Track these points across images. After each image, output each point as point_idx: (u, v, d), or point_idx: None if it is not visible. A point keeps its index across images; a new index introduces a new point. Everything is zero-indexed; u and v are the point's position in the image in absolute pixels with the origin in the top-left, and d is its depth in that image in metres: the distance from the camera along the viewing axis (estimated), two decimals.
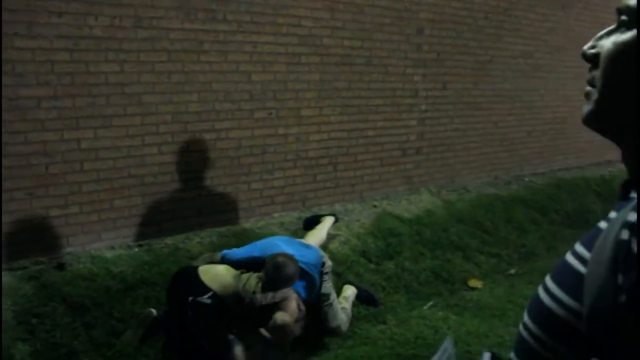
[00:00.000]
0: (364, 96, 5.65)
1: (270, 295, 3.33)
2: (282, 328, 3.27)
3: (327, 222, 4.80)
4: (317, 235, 4.54)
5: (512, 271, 5.42)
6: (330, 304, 3.96)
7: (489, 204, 6.44)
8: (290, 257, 3.51)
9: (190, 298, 3.28)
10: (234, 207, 5.00)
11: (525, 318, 0.81)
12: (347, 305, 4.20)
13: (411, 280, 4.85)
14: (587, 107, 0.83)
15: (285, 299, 3.33)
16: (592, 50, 0.81)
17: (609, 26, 0.81)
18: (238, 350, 3.31)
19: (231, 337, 3.34)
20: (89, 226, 4.28)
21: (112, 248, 4.39)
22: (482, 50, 6.68)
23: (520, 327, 0.82)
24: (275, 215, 5.24)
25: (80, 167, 4.16)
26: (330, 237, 4.91)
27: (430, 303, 4.54)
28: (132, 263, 4.22)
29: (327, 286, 4.00)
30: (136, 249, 4.43)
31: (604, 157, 8.81)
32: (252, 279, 3.42)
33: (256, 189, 5.10)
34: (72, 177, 4.14)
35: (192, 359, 3.42)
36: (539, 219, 6.50)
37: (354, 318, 4.21)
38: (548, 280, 0.80)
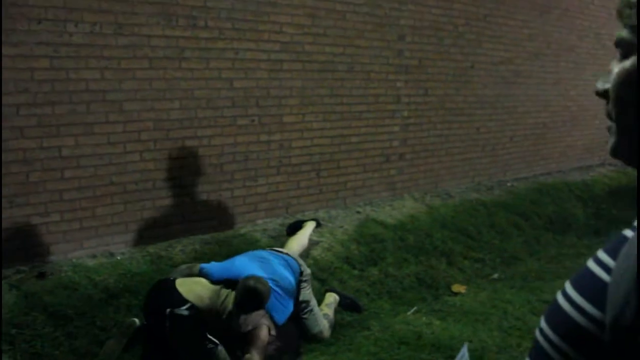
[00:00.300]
0: (346, 102, 5.67)
1: (242, 321, 3.37)
2: None
3: (309, 227, 4.81)
4: (298, 241, 4.54)
5: (495, 276, 5.44)
6: (311, 310, 3.96)
7: (472, 209, 6.48)
8: (262, 282, 3.49)
9: (168, 310, 3.27)
10: (217, 214, 4.98)
11: (543, 324, 0.79)
12: (329, 311, 4.19)
13: (395, 286, 4.86)
14: (610, 141, 0.81)
15: (256, 328, 3.37)
16: (603, 86, 0.79)
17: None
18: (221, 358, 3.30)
19: (210, 346, 3.33)
20: (70, 234, 4.24)
21: (94, 256, 4.35)
22: (463, 56, 6.74)
23: (537, 333, 0.79)
24: (259, 222, 5.23)
25: (61, 174, 4.12)
26: (313, 243, 4.92)
27: (414, 309, 4.54)
28: (114, 271, 4.18)
29: (306, 293, 4.01)
30: (118, 257, 4.39)
31: (585, 162, 8.91)
32: (230, 297, 3.44)
33: (239, 195, 5.09)
34: (53, 185, 4.10)
35: None
36: (522, 223, 6.55)
37: (338, 325, 4.21)
38: (568, 287, 0.78)
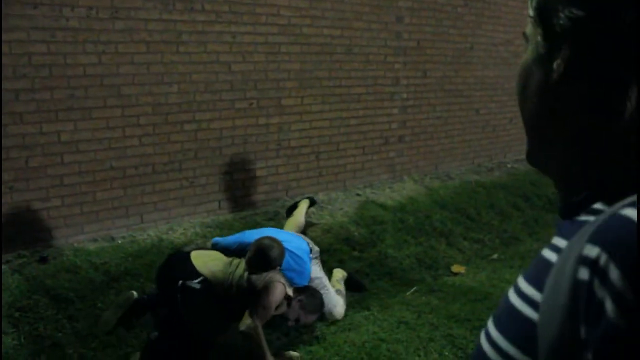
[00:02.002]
0: (345, 85, 5.67)
1: (254, 281, 3.33)
2: (246, 334, 3.28)
3: (303, 206, 4.84)
4: (295, 222, 4.57)
5: (495, 256, 5.47)
6: (324, 286, 3.97)
7: (472, 191, 6.50)
8: (275, 240, 3.51)
9: (180, 281, 3.27)
10: (217, 197, 5.01)
11: None
12: (341, 287, 4.22)
13: (394, 266, 4.88)
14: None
15: (268, 284, 3.33)
16: None
17: None
18: (227, 336, 3.31)
19: (220, 323, 3.34)
20: (71, 219, 4.28)
21: (95, 240, 4.39)
22: (462, 37, 6.71)
23: None
24: (259, 204, 5.26)
25: (60, 159, 4.15)
26: (311, 224, 4.95)
27: (414, 289, 4.57)
28: (115, 255, 4.22)
29: (317, 269, 4.02)
30: (119, 241, 4.43)
31: None
32: (241, 265, 3.43)
33: (238, 179, 5.11)
34: (53, 170, 4.13)
35: (182, 346, 3.41)
36: (521, 204, 6.56)
37: None
38: (491, 326, 0.68)
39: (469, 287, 4.63)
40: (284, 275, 3.54)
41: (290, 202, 5.23)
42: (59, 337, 3.45)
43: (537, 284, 0.62)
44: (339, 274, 4.38)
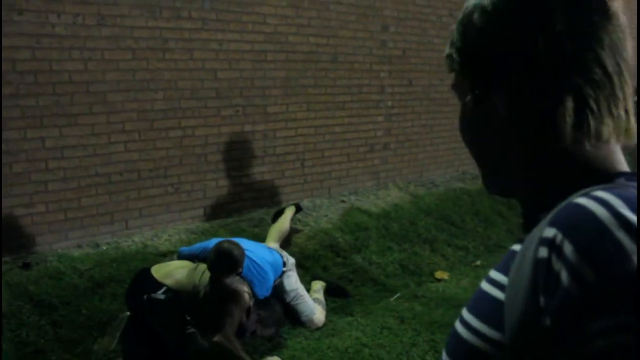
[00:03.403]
0: (330, 93, 5.71)
1: (219, 286, 3.35)
2: (220, 344, 3.30)
3: (289, 212, 4.86)
4: (279, 228, 4.59)
5: (478, 263, 5.52)
6: (301, 296, 4.00)
7: (457, 198, 6.55)
8: (234, 243, 3.53)
9: (145, 296, 3.32)
10: (202, 204, 5.02)
11: (444, 356, 0.76)
12: (319, 296, 4.25)
13: (378, 273, 4.92)
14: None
15: (234, 294, 3.35)
16: None
17: None
18: (197, 344, 3.33)
19: (190, 330, 3.37)
20: (55, 225, 4.27)
21: (80, 247, 4.39)
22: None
23: None
24: (244, 211, 5.28)
25: (45, 165, 4.15)
26: (296, 231, 4.97)
27: (397, 295, 4.61)
28: (100, 261, 4.22)
29: (292, 282, 4.04)
30: (104, 247, 4.43)
31: None
32: (207, 272, 3.45)
33: (224, 185, 5.13)
34: (37, 176, 4.13)
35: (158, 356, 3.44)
36: (505, 212, 6.62)
37: None
38: (465, 312, 0.75)
39: (452, 293, 4.67)
40: (248, 285, 3.56)
41: (275, 209, 5.26)
42: (42, 343, 3.45)
43: (504, 271, 0.70)
44: (317, 285, 4.41)
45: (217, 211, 5.12)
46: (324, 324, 4.06)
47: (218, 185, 5.10)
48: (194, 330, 3.38)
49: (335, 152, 5.92)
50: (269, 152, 5.38)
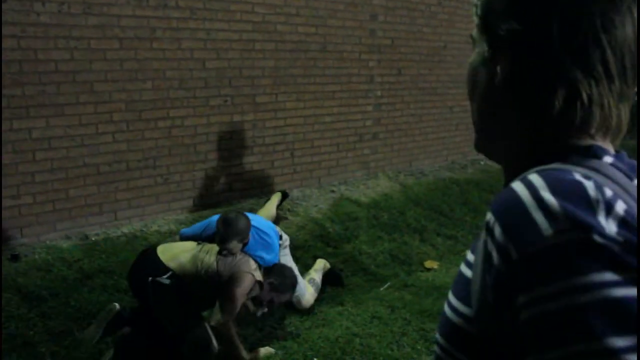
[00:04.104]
0: (319, 82, 5.69)
1: (223, 268, 3.31)
2: (217, 329, 3.28)
3: (275, 198, 4.86)
4: (266, 212, 4.57)
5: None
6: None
7: (446, 188, 6.57)
8: (241, 213, 3.51)
9: (150, 278, 3.25)
10: (192, 194, 5.00)
11: (437, 334, 0.81)
12: (316, 276, 4.23)
13: (369, 262, 4.92)
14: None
15: (235, 276, 3.30)
16: None
17: None
18: (200, 331, 3.30)
19: (193, 318, 3.32)
20: (43, 216, 4.24)
21: (68, 238, 4.35)
22: (436, 36, 6.78)
23: (435, 345, 0.82)
24: (233, 201, 5.26)
25: (32, 156, 4.11)
26: (284, 218, 4.97)
27: (387, 284, 4.62)
28: (89, 252, 4.19)
29: (287, 260, 4.02)
30: (93, 239, 4.40)
31: None
32: (212, 251, 3.39)
33: (213, 175, 5.11)
34: (24, 167, 4.09)
35: (155, 343, 3.40)
36: None
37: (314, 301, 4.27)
38: (449, 293, 0.81)
39: (441, 282, 4.69)
40: (253, 259, 3.49)
41: (265, 199, 5.25)
42: (30, 335, 3.42)
43: (474, 250, 0.75)
44: (320, 264, 4.39)
45: (207, 201, 5.10)
46: (314, 313, 4.06)
47: (207, 176, 5.07)
48: (196, 317, 3.33)
49: (325, 142, 5.91)
50: (258, 142, 5.36)
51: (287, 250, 4.11)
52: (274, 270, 3.62)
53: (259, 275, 3.43)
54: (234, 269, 3.32)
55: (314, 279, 4.20)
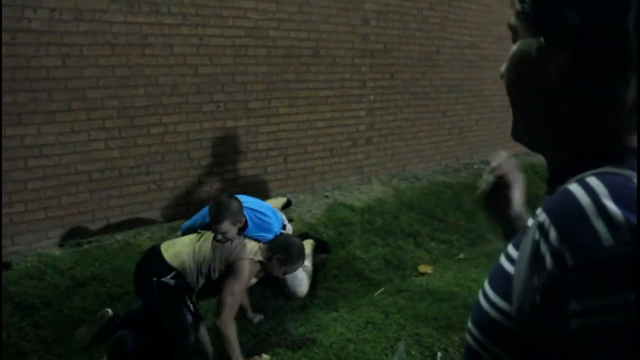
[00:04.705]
0: (312, 87, 5.69)
1: (219, 257, 3.26)
2: (216, 328, 3.24)
3: (277, 200, 4.83)
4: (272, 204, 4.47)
5: (461, 256, 5.54)
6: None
7: (439, 192, 6.58)
8: (232, 195, 3.44)
9: (155, 279, 3.22)
10: (185, 200, 4.98)
11: (469, 324, 0.81)
12: (308, 263, 4.20)
13: (363, 268, 4.92)
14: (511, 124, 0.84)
15: (233, 267, 3.24)
16: (503, 69, 0.83)
17: None
18: (200, 333, 3.26)
19: (195, 319, 3.27)
20: (35, 224, 4.21)
21: (61, 246, 4.33)
22: (429, 40, 6.80)
23: (466, 334, 0.82)
24: None
25: (24, 164, 4.09)
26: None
27: (381, 289, 4.62)
28: (82, 260, 4.17)
29: None
30: (85, 246, 4.38)
31: None
32: (209, 239, 3.34)
33: (206, 182, 5.09)
34: (16, 175, 4.06)
35: (149, 344, 3.37)
36: None
37: (305, 306, 4.26)
38: (486, 284, 0.80)
39: (436, 286, 4.68)
40: (254, 240, 3.43)
41: None
42: (22, 344, 3.40)
43: (517, 245, 0.75)
44: (308, 245, 4.35)
45: (200, 208, 5.05)
46: (308, 319, 4.05)
47: (200, 182, 5.06)
48: (198, 319, 3.29)
49: (318, 147, 5.91)
50: (252, 147, 5.35)
51: None
52: (277, 244, 3.46)
53: (259, 256, 3.36)
54: (230, 258, 3.26)
55: (306, 266, 4.16)
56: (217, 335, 3.24)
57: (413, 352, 3.67)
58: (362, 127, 6.28)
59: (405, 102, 6.70)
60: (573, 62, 0.69)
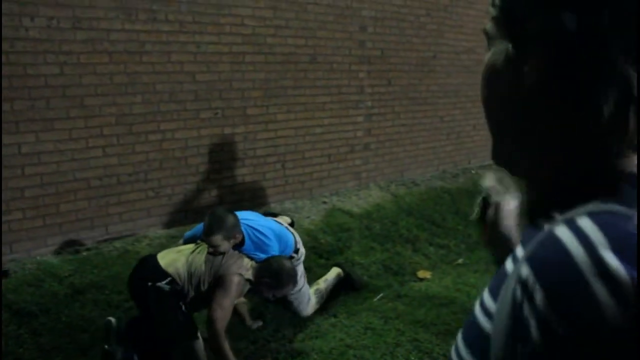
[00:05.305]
0: (309, 94, 5.71)
1: (209, 270, 3.27)
2: (209, 338, 3.24)
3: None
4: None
5: (460, 261, 5.54)
6: (301, 294, 3.93)
7: (437, 197, 6.59)
8: (228, 210, 3.44)
9: (150, 283, 3.22)
10: (183, 207, 4.99)
11: None
12: (323, 286, 4.18)
13: (362, 273, 4.91)
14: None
15: (223, 280, 3.24)
16: None
17: None
18: (194, 341, 3.26)
19: (189, 326, 3.28)
20: (33, 231, 4.21)
21: (59, 253, 4.33)
22: (425, 46, 6.82)
23: None
24: None
25: (21, 171, 4.09)
26: None
27: (380, 295, 4.61)
28: (80, 267, 4.17)
29: (299, 269, 3.93)
30: (84, 253, 4.38)
31: None
32: (203, 251, 3.34)
33: (204, 189, 5.10)
34: (14, 182, 4.07)
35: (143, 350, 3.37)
36: None
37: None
38: (459, 336, 0.69)
39: (434, 292, 4.68)
40: (248, 258, 3.43)
41: (259, 212, 5.23)
42: (20, 352, 3.39)
43: (495, 296, 0.61)
44: (333, 273, 4.35)
45: (199, 214, 5.07)
46: (307, 325, 4.05)
47: (199, 189, 5.06)
48: (190, 324, 3.28)
49: (316, 153, 5.92)
50: (250, 154, 5.36)
51: (301, 266, 3.99)
52: (266, 267, 3.42)
53: (249, 275, 3.35)
54: (220, 271, 3.27)
55: (319, 289, 4.16)
56: (210, 347, 3.25)
57: (412, 358, 3.67)
58: (359, 133, 6.30)
59: (403, 107, 6.72)
60: (546, 71, 0.59)
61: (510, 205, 1.08)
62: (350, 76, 6.05)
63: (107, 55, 4.35)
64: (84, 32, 4.21)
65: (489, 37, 0.66)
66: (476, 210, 1.12)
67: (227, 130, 5.15)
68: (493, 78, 0.65)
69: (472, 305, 0.68)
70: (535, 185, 0.67)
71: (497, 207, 1.08)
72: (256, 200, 5.46)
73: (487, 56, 0.67)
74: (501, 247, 1.03)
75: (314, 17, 5.61)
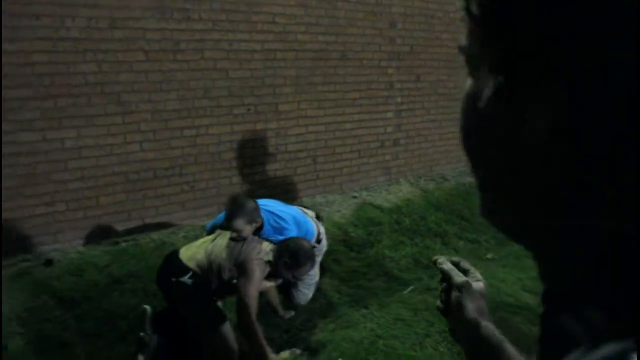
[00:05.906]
0: (340, 90, 5.79)
1: (230, 255, 3.30)
2: (241, 330, 3.30)
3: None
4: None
5: (489, 256, 5.56)
6: (310, 284, 4.00)
7: (467, 192, 6.60)
8: (249, 198, 3.53)
9: (173, 279, 3.31)
10: (217, 201, 5.11)
11: None
12: (315, 271, 4.23)
13: (392, 267, 4.98)
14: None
15: (243, 268, 3.26)
16: None
17: None
18: (223, 331, 3.33)
19: (216, 317, 3.34)
20: (75, 223, 4.38)
21: (99, 244, 4.49)
22: (455, 42, 6.82)
23: None
24: None
25: (64, 166, 4.26)
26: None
27: (411, 287, 4.67)
28: (119, 258, 4.32)
29: (315, 267, 3.99)
30: (122, 245, 4.53)
31: None
32: (224, 237, 3.39)
33: (237, 183, 5.22)
34: (57, 176, 4.24)
35: (177, 345, 3.47)
36: None
37: (336, 304, 4.33)
38: None
39: None
40: (262, 240, 3.46)
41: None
42: (65, 336, 3.54)
43: None
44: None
45: None
46: (338, 315, 4.13)
47: (232, 183, 5.19)
48: (217, 317, 3.35)
49: (346, 148, 6.00)
50: (281, 149, 5.46)
51: (319, 258, 4.04)
52: (284, 247, 3.41)
53: (269, 257, 3.37)
54: (240, 258, 3.30)
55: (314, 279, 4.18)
56: (242, 335, 3.31)
57: (441, 349, 3.72)
58: (389, 129, 6.36)
59: (432, 103, 6.76)
60: (562, 117, 0.36)
61: (478, 285, 0.94)
62: (379, 72, 6.11)
63: (143, 53, 4.49)
64: (120, 32, 4.35)
65: (470, 60, 0.46)
66: (440, 295, 0.98)
67: (259, 126, 5.26)
68: (470, 116, 0.45)
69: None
70: (541, 256, 0.46)
71: (462, 288, 0.93)
72: (288, 194, 5.56)
73: (467, 85, 0.46)
74: (468, 334, 0.88)
75: (344, 14, 5.69)
